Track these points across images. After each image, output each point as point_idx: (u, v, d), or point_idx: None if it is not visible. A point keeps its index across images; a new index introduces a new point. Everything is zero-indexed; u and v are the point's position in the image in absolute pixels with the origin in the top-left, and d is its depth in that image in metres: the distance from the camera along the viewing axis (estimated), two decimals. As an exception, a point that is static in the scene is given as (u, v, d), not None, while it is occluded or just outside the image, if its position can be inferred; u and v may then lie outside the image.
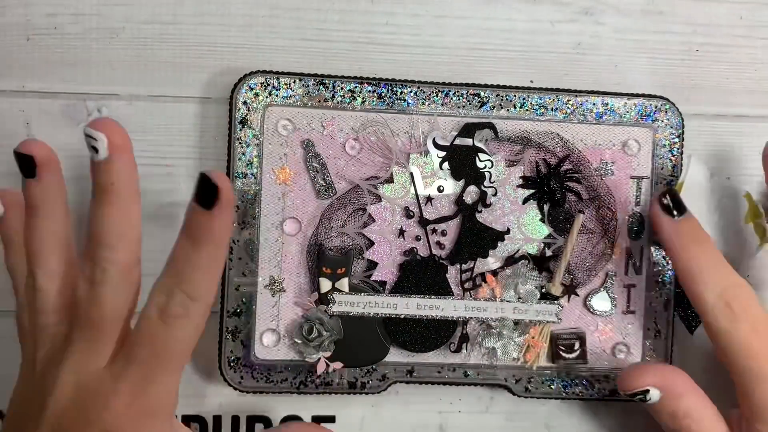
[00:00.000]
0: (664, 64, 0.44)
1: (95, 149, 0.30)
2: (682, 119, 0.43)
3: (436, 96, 0.42)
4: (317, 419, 0.43)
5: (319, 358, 0.41)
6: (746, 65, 0.46)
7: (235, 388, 0.41)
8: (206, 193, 0.28)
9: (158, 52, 0.43)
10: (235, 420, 0.43)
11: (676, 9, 0.45)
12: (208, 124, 0.42)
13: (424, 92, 0.42)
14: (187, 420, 0.43)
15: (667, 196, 0.37)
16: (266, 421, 0.43)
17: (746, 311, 0.35)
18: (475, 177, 0.42)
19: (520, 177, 0.42)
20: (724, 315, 0.35)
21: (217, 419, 0.43)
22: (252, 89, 0.41)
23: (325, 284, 0.41)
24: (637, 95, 0.43)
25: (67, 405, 0.31)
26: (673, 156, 0.43)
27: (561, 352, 0.42)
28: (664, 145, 0.43)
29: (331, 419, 0.43)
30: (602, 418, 0.45)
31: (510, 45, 0.44)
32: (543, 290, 0.42)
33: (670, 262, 0.43)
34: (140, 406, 0.31)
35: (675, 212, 0.37)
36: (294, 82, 0.41)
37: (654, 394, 0.37)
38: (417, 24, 0.44)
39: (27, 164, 0.32)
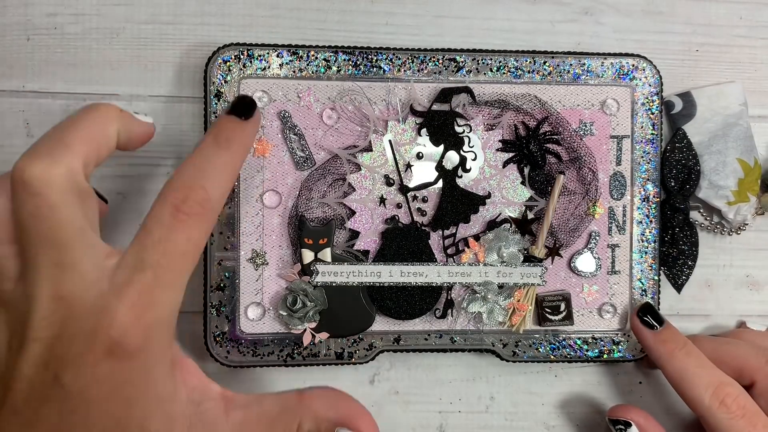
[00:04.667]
0: (664, 64, 0.43)
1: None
2: (660, 77, 0.43)
3: (412, 62, 0.42)
4: None
5: (305, 329, 0.41)
6: (746, 65, 0.45)
7: (222, 363, 0.41)
8: (244, 107, 0.33)
9: (158, 52, 0.42)
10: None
11: (676, 9, 0.45)
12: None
13: (399, 59, 0.41)
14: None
15: (646, 313, 0.41)
16: None
17: (742, 407, 0.37)
18: (454, 142, 0.42)
19: (499, 140, 0.42)
20: (722, 413, 0.37)
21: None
22: (226, 62, 0.40)
23: (308, 255, 0.41)
24: (614, 54, 0.43)
25: (60, 327, 0.28)
26: (652, 114, 0.43)
27: (547, 315, 0.42)
28: (643, 104, 0.43)
29: None
30: (602, 417, 0.45)
31: (510, 45, 0.44)
32: (526, 253, 0.42)
33: (655, 235, 0.43)
34: (150, 314, 0.28)
35: (655, 325, 0.40)
36: (268, 53, 0.41)
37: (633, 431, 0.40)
38: (417, 24, 0.44)
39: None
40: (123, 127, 0.32)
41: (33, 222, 0.28)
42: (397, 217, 0.42)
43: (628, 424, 0.40)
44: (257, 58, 0.41)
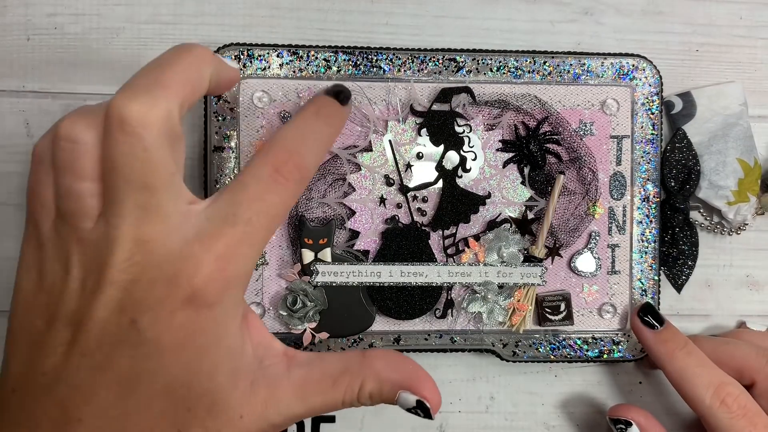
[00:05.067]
0: (664, 64, 0.43)
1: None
2: (660, 77, 0.43)
3: (412, 62, 0.42)
4: (317, 419, 0.43)
5: (305, 329, 0.41)
6: (746, 65, 0.45)
7: (222, 363, 0.41)
8: (343, 94, 0.34)
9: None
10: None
11: (676, 9, 0.45)
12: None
13: (399, 59, 0.41)
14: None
15: (646, 313, 0.41)
16: None
17: (743, 407, 0.37)
18: (454, 142, 0.42)
19: (500, 140, 0.42)
20: (722, 412, 0.37)
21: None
22: (226, 62, 0.40)
23: (308, 255, 0.41)
24: (614, 54, 0.43)
25: (139, 271, 0.27)
26: (652, 114, 0.43)
27: (547, 315, 0.42)
28: (643, 104, 0.43)
29: (331, 419, 0.43)
30: (602, 417, 0.45)
31: (510, 45, 0.44)
32: (526, 253, 0.42)
33: (655, 236, 0.43)
34: (233, 268, 0.28)
35: (656, 325, 0.40)
36: (268, 53, 0.41)
37: (633, 431, 0.40)
38: (417, 24, 0.44)
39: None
40: (215, 70, 0.32)
41: (125, 162, 0.27)
42: (397, 217, 0.42)
43: (628, 424, 0.40)
44: (257, 58, 0.41)
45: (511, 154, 0.42)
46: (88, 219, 0.28)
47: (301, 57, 0.41)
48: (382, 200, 0.41)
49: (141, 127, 0.27)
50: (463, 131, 0.42)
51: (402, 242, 0.41)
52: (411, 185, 0.42)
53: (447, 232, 0.42)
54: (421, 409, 0.32)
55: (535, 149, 0.42)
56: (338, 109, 0.34)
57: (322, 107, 0.33)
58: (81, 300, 0.28)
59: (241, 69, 0.40)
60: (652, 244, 0.43)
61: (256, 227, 0.29)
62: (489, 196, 0.42)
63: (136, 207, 0.27)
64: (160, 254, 0.27)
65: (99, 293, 0.27)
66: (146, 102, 0.27)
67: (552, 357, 0.43)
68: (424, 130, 0.42)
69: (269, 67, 0.41)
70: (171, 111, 0.28)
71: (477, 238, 0.42)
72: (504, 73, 0.42)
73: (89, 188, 0.28)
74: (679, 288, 0.45)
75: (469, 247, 0.42)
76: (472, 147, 0.42)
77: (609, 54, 0.43)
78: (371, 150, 0.41)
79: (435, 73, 0.42)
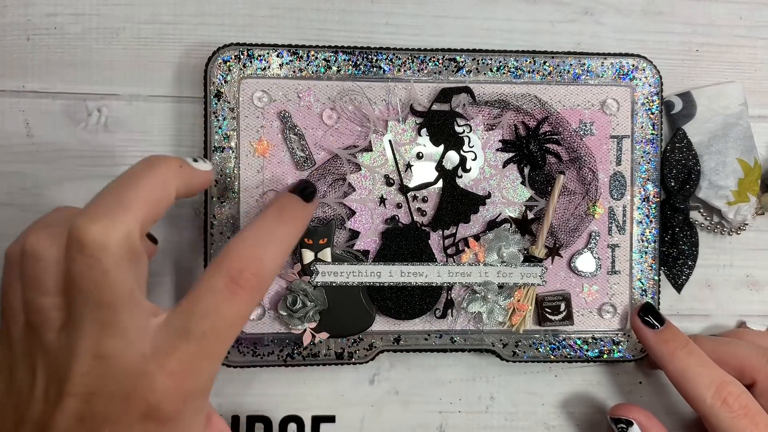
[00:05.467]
0: (664, 64, 0.43)
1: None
2: (660, 77, 0.43)
3: (412, 62, 0.42)
4: (317, 419, 0.43)
5: (305, 329, 0.40)
6: (746, 65, 0.45)
7: (223, 364, 0.41)
8: (307, 191, 0.34)
9: (158, 52, 0.42)
10: (235, 419, 0.43)
11: (676, 9, 0.45)
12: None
13: (399, 59, 0.41)
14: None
15: (646, 313, 0.40)
16: (266, 421, 0.43)
17: (744, 406, 0.37)
18: (454, 142, 0.42)
19: (500, 140, 0.42)
20: (724, 411, 0.37)
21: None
22: (226, 62, 0.40)
23: (308, 255, 0.41)
24: (614, 54, 0.43)
25: (98, 384, 0.28)
26: (652, 114, 0.43)
27: (547, 315, 0.42)
28: (643, 104, 0.43)
29: (331, 419, 0.43)
30: (602, 417, 0.45)
31: (510, 45, 0.44)
32: (526, 253, 0.42)
33: (654, 234, 0.43)
34: (189, 383, 0.29)
35: (656, 325, 0.40)
36: (268, 53, 0.41)
37: (634, 431, 0.40)
38: (417, 24, 0.44)
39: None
40: (182, 182, 0.32)
41: (83, 281, 0.28)
42: (397, 217, 0.42)
43: (629, 423, 0.40)
44: (257, 58, 0.41)
45: (511, 154, 0.42)
46: (51, 331, 0.29)
47: (301, 57, 0.41)
48: (382, 200, 0.41)
49: (99, 249, 0.28)
50: (463, 131, 0.42)
51: (402, 242, 0.41)
52: (411, 185, 0.42)
53: (447, 232, 0.42)
54: None
55: (535, 149, 0.42)
56: (302, 208, 0.34)
57: (284, 207, 0.33)
58: (45, 407, 0.29)
59: (241, 69, 0.40)
60: (652, 244, 0.43)
61: (212, 340, 0.29)
62: (489, 196, 0.42)
63: (95, 323, 0.28)
64: (118, 369, 0.28)
65: (60, 403, 0.28)
66: (105, 225, 0.28)
67: (552, 357, 0.43)
68: (424, 130, 0.42)
69: (269, 67, 0.41)
70: (130, 232, 0.29)
71: (477, 238, 0.42)
72: (504, 73, 0.42)
73: (52, 302, 0.29)
74: (679, 288, 0.45)
75: (469, 247, 0.42)
76: (472, 147, 0.42)
77: (609, 54, 0.43)
78: (371, 150, 0.41)
79: (435, 73, 0.42)
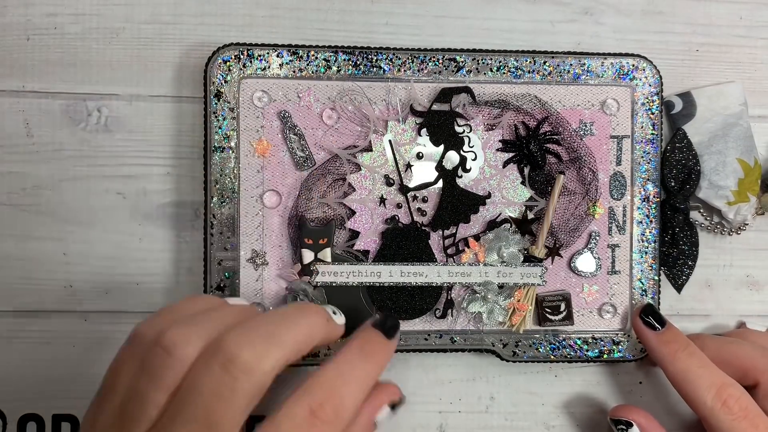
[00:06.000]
0: (664, 64, 0.43)
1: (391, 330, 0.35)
2: (660, 77, 0.43)
3: (412, 62, 0.42)
4: None
5: (305, 330, 0.40)
6: (746, 65, 0.45)
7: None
8: (391, 327, 0.35)
9: (158, 52, 0.42)
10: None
11: (676, 9, 0.45)
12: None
13: (399, 59, 0.41)
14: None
15: (647, 314, 0.40)
16: None
17: (744, 409, 0.37)
18: (454, 142, 0.42)
19: (500, 140, 0.42)
20: (724, 414, 0.37)
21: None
22: (226, 62, 0.40)
23: (308, 255, 0.41)
24: (614, 54, 0.43)
25: None
26: (652, 114, 0.43)
27: (547, 315, 0.42)
28: (643, 104, 0.43)
29: None
30: (602, 417, 0.45)
31: (510, 45, 0.44)
32: (526, 253, 0.42)
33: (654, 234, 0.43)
34: None
35: (657, 326, 0.40)
36: (268, 53, 0.41)
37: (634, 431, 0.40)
38: (417, 24, 0.44)
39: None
40: (325, 334, 0.34)
41: (208, 394, 0.28)
42: (397, 217, 0.42)
43: (629, 424, 0.40)
44: (257, 58, 0.41)
45: (511, 154, 0.42)
46: (143, 425, 0.29)
47: (301, 57, 0.41)
48: (382, 200, 0.41)
49: (244, 372, 0.29)
50: (463, 131, 0.42)
51: (402, 242, 0.41)
52: (411, 185, 0.42)
53: (447, 232, 0.42)
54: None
55: (535, 149, 0.42)
56: (384, 345, 0.34)
57: (367, 343, 0.34)
58: None
59: (241, 69, 0.40)
60: (652, 244, 0.43)
61: None
62: (489, 196, 0.42)
63: None
64: None
65: None
66: (260, 353, 0.29)
67: (552, 357, 0.43)
68: (424, 130, 0.42)
69: (269, 67, 0.41)
70: (275, 368, 0.29)
71: (477, 238, 0.42)
72: (504, 73, 0.42)
73: (159, 399, 0.29)
74: (679, 288, 0.45)
75: (469, 247, 0.42)
76: (472, 147, 0.42)
77: (609, 54, 0.43)
78: (371, 150, 0.41)
79: (435, 73, 0.42)
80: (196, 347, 0.30)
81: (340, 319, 0.36)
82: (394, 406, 0.35)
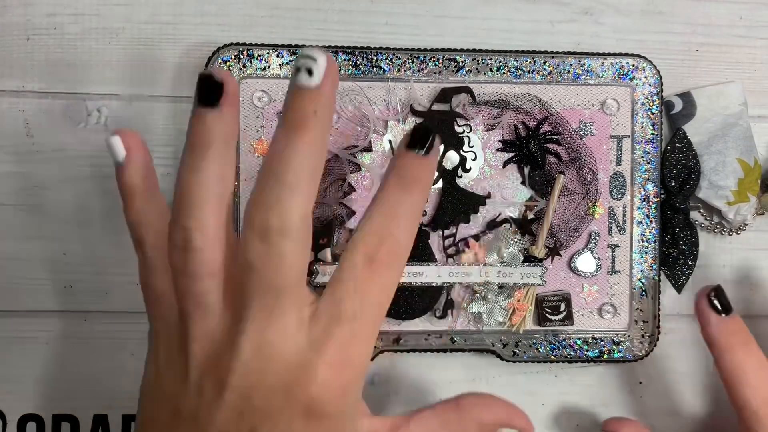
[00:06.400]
0: (664, 64, 0.43)
1: (309, 72, 0.27)
2: (660, 77, 0.43)
3: (412, 62, 0.42)
4: None
5: (305, 330, 0.40)
6: (746, 65, 0.45)
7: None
8: (425, 138, 0.29)
9: (158, 52, 0.42)
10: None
11: (676, 9, 0.45)
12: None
13: (399, 59, 0.41)
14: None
15: (716, 295, 0.38)
16: None
17: None
18: (454, 142, 0.42)
19: (500, 140, 0.42)
20: (766, 419, 0.35)
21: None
22: (226, 62, 0.40)
23: (308, 255, 0.41)
24: (614, 54, 0.43)
25: (258, 377, 0.27)
26: (652, 114, 0.43)
27: (547, 315, 0.42)
28: (643, 104, 0.43)
29: None
30: (603, 417, 0.45)
31: (510, 45, 0.44)
32: (526, 253, 0.42)
33: (654, 230, 0.43)
34: (348, 372, 0.28)
35: (723, 312, 0.37)
36: (268, 53, 0.41)
37: None
38: (417, 24, 0.44)
39: (212, 90, 0.28)
40: (325, 134, 0.30)
41: (261, 266, 0.27)
42: (397, 217, 0.42)
43: None
44: (257, 58, 0.41)
45: (511, 154, 0.42)
46: (209, 316, 0.28)
47: (301, 57, 0.41)
48: (382, 200, 0.41)
49: (279, 235, 0.27)
50: (463, 131, 0.42)
51: (402, 242, 0.41)
52: (411, 185, 0.42)
53: (447, 232, 0.42)
54: None
55: (535, 149, 0.42)
56: (423, 166, 0.30)
57: (403, 173, 0.30)
58: (202, 402, 0.28)
59: (241, 69, 0.40)
60: (652, 244, 0.43)
61: (363, 322, 0.28)
62: (489, 196, 0.42)
63: (263, 311, 0.27)
64: (279, 361, 0.27)
65: (220, 398, 0.27)
66: (281, 211, 0.27)
67: (552, 357, 0.43)
68: (424, 130, 0.41)
69: (269, 67, 0.41)
70: (305, 215, 0.28)
71: (477, 238, 0.42)
72: (504, 73, 0.42)
73: (209, 286, 0.28)
74: (679, 288, 0.44)
75: (469, 247, 0.42)
76: (472, 147, 0.42)
77: (609, 54, 0.43)
78: (371, 150, 0.41)
79: (435, 73, 0.42)
80: (217, 232, 0.28)
81: (313, 78, 0.27)
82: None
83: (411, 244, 0.30)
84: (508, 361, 0.43)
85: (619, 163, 0.43)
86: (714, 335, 0.37)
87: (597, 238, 0.43)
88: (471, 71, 0.42)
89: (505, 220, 0.42)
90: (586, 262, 0.43)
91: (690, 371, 0.45)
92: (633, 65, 0.43)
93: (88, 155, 0.42)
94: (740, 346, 0.37)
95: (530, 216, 0.42)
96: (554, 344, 0.43)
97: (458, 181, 0.42)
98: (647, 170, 0.43)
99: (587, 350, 0.43)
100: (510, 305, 0.42)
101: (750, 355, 0.37)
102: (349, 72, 0.41)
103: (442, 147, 0.32)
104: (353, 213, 0.41)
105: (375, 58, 0.41)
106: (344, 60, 0.41)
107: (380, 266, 0.29)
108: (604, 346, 0.43)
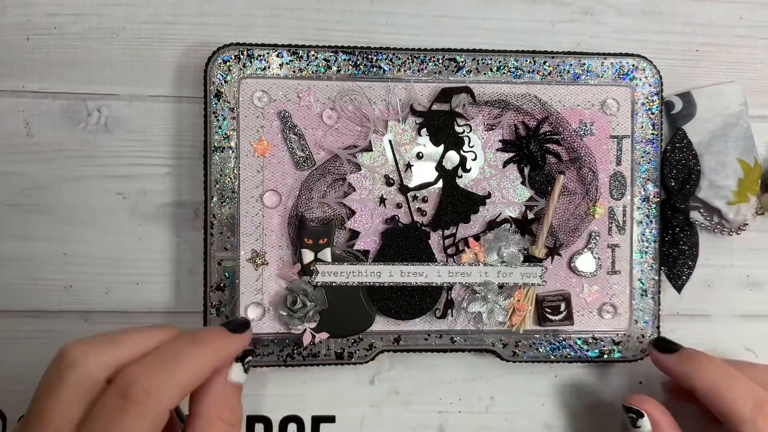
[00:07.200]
0: (664, 64, 0.43)
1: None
2: (660, 77, 0.43)
3: (412, 62, 0.42)
4: (317, 419, 0.43)
5: (305, 329, 0.40)
6: (746, 65, 0.45)
7: (222, 363, 0.41)
8: (236, 325, 0.35)
9: (158, 52, 0.42)
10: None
11: (676, 9, 0.45)
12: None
13: (399, 59, 0.41)
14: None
15: (660, 343, 0.40)
16: (266, 421, 0.43)
17: None
18: (454, 142, 0.42)
19: (500, 140, 0.42)
20: (764, 429, 0.36)
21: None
22: (226, 62, 0.40)
23: (308, 255, 0.41)
24: (614, 54, 0.43)
25: None
26: (652, 114, 0.43)
27: (547, 315, 0.42)
28: (643, 104, 0.43)
29: (331, 419, 0.43)
30: (602, 417, 0.45)
31: (510, 45, 0.44)
32: (526, 253, 0.42)
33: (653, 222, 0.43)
34: None
35: (674, 348, 0.40)
36: (268, 53, 0.41)
37: (645, 423, 0.39)
38: (417, 24, 0.44)
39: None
40: (228, 354, 0.34)
41: (107, 421, 0.29)
42: (397, 217, 0.42)
43: (640, 414, 0.39)
44: (257, 58, 0.41)
45: (511, 154, 0.42)
46: None
47: (301, 57, 0.41)
48: (382, 200, 0.41)
49: (138, 402, 0.29)
50: (463, 131, 0.42)
51: (402, 242, 0.41)
52: (411, 185, 0.42)
53: (447, 232, 0.42)
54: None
55: (535, 149, 0.42)
56: (223, 336, 0.35)
57: (201, 332, 0.34)
58: None
59: (241, 69, 0.40)
60: (653, 244, 0.43)
61: None
62: (489, 196, 0.42)
63: None
64: None
65: None
66: (155, 385, 0.30)
67: (552, 357, 0.43)
68: (424, 130, 0.42)
69: (269, 67, 0.41)
70: (171, 398, 0.30)
71: (477, 238, 0.42)
72: (504, 73, 0.42)
73: (66, 414, 0.30)
74: (679, 288, 0.44)
75: (469, 247, 0.42)
76: (472, 147, 0.42)
77: (609, 54, 0.43)
78: (371, 150, 0.41)
79: (435, 73, 0.42)
80: (99, 365, 0.30)
81: (242, 336, 0.36)
82: (244, 361, 0.35)
83: (176, 394, 0.31)
84: (508, 361, 0.43)
85: (619, 163, 0.43)
86: (678, 369, 0.39)
87: (597, 238, 0.43)
88: (471, 71, 0.42)
89: (505, 220, 0.42)
90: (586, 262, 0.43)
91: (690, 371, 0.45)
92: (633, 65, 0.43)
93: (88, 155, 0.42)
94: (706, 363, 0.38)
95: (530, 216, 0.42)
96: (554, 344, 0.43)
97: (458, 181, 0.42)
98: (647, 170, 0.43)
99: (587, 350, 0.43)
100: (510, 305, 0.42)
101: (719, 367, 0.37)
102: (349, 72, 0.41)
103: (249, 334, 0.37)
104: (353, 213, 0.41)
105: (375, 58, 0.41)
106: (344, 60, 0.41)
107: (130, 405, 0.30)
108: (604, 346, 0.43)
